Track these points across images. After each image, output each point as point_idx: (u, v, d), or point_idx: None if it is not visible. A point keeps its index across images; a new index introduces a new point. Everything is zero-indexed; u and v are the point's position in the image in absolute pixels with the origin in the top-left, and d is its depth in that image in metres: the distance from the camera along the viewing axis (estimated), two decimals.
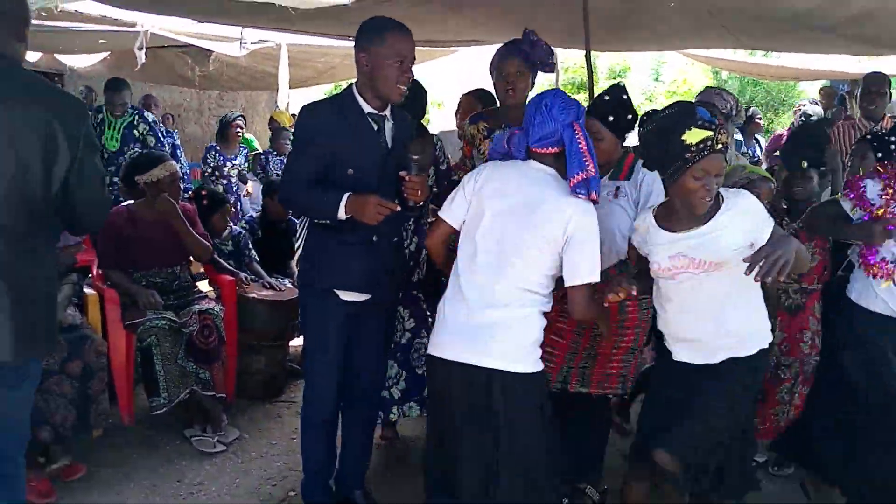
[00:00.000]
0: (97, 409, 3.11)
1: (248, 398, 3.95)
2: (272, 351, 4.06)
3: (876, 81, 4.28)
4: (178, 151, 5.50)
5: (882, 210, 2.62)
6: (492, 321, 2.15)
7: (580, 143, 2.15)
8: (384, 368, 2.95)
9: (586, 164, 2.13)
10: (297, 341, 4.38)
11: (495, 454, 2.16)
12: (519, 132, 2.28)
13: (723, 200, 2.16)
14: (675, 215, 2.22)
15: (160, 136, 5.31)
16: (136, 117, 5.23)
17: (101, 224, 2.38)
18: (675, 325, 2.30)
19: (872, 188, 2.70)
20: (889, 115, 4.33)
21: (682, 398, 2.23)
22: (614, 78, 18.77)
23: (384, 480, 3.11)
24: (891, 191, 2.63)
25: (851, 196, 2.74)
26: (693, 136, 2.03)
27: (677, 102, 2.34)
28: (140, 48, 4.42)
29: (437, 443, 2.31)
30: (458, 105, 4.40)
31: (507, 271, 2.16)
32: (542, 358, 2.26)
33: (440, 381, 2.26)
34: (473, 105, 4.17)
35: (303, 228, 3.40)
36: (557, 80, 8.22)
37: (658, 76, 18.99)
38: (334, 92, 2.60)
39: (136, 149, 5.12)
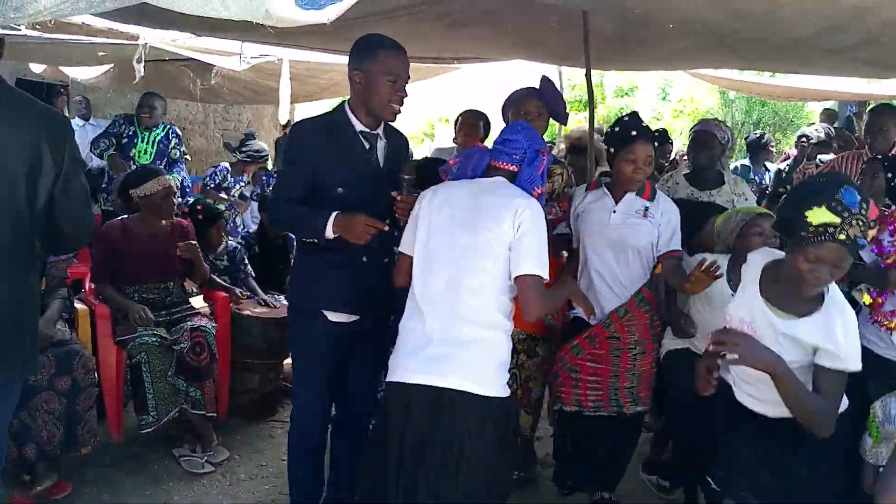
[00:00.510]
0: (85, 427, 3.06)
1: (241, 417, 3.89)
2: (266, 369, 4.01)
3: (881, 116, 4.20)
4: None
5: (893, 257, 2.58)
6: (453, 339, 2.08)
7: (540, 167, 2.22)
8: (376, 392, 2.88)
9: (543, 181, 2.22)
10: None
11: (445, 480, 2.06)
12: (480, 152, 2.31)
13: (825, 297, 1.94)
14: (777, 287, 2.02)
15: (183, 149, 5.48)
16: (170, 132, 5.38)
17: (85, 243, 2.34)
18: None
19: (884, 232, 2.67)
20: None
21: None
22: (622, 96, 18.79)
23: None
24: None
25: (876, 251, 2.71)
26: (816, 216, 1.81)
27: (829, 174, 2.28)
28: (139, 61, 4.40)
29: (376, 472, 2.20)
30: (458, 123, 4.37)
31: (465, 286, 2.10)
32: (585, 387, 2.23)
33: (395, 407, 2.15)
34: (475, 123, 4.17)
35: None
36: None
37: (665, 95, 18.98)
38: None
39: (165, 163, 5.25)
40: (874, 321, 2.67)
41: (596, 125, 4.14)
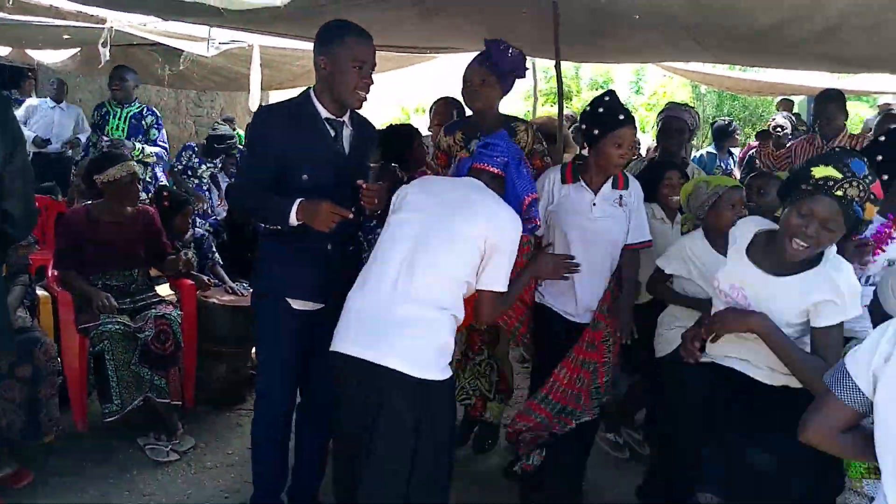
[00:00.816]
0: (47, 415, 3.02)
1: (208, 405, 3.86)
2: (233, 357, 3.98)
3: (828, 103, 4.38)
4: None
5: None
6: (399, 318, 2.05)
7: (525, 170, 2.26)
8: None
9: (534, 187, 2.24)
10: None
11: (376, 458, 2.05)
12: (465, 159, 2.34)
13: (822, 259, 1.98)
14: (769, 250, 2.05)
15: (163, 132, 5.25)
16: (145, 109, 5.18)
17: (32, 228, 2.29)
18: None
19: None
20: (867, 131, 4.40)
21: None
22: (596, 89, 18.87)
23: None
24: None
25: None
26: (820, 171, 1.84)
27: (843, 149, 2.25)
28: (104, 45, 4.32)
29: (340, 448, 2.23)
30: (432, 111, 4.36)
31: (427, 269, 2.09)
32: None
33: (337, 377, 2.15)
34: (448, 110, 4.14)
35: None
36: (536, 89, 8.20)
37: (639, 89, 19.12)
38: None
39: (141, 139, 5.07)
40: None
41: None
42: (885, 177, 2.51)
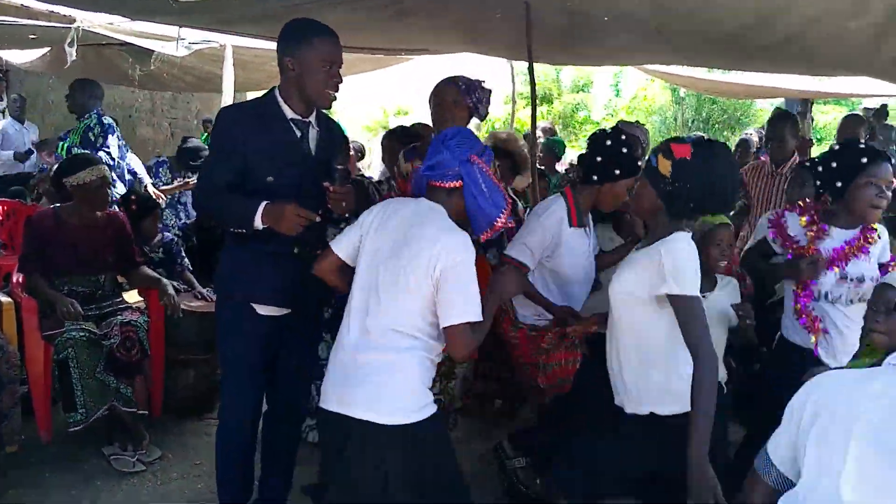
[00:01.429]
0: (10, 425, 2.95)
1: (176, 415, 3.78)
2: (202, 365, 3.89)
3: (778, 125, 4.20)
4: (125, 152, 5.25)
5: (809, 247, 2.57)
6: (362, 366, 1.99)
7: (478, 176, 2.05)
8: (308, 388, 2.82)
9: (498, 200, 2.06)
10: None
11: None
12: (419, 175, 2.17)
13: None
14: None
15: (111, 140, 4.98)
16: (95, 119, 4.93)
17: None
18: None
19: (794, 223, 2.68)
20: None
21: None
22: (577, 91, 18.94)
23: (302, 499, 2.92)
24: (815, 227, 2.58)
25: (773, 234, 2.72)
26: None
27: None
28: (71, 45, 4.23)
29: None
30: (382, 148, 4.27)
31: (380, 313, 2.00)
32: None
33: (321, 432, 2.15)
34: (392, 145, 4.01)
35: None
36: (514, 92, 8.18)
37: (619, 92, 19.21)
38: None
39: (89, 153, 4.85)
40: (799, 313, 2.63)
41: (524, 130, 4.08)
42: (830, 196, 2.57)
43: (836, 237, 2.56)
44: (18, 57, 6.98)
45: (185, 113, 11.55)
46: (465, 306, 1.94)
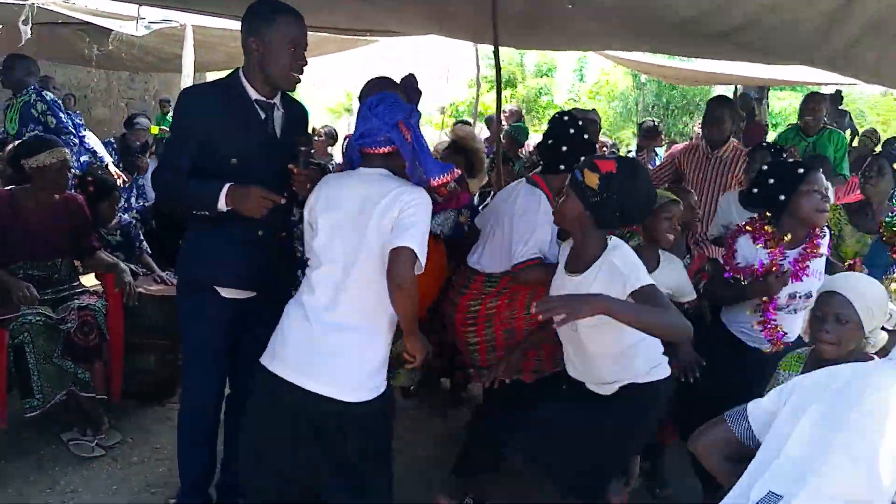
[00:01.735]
0: None
1: (136, 399, 3.74)
2: (163, 349, 3.85)
3: (716, 108, 4.23)
4: (81, 130, 5.12)
5: (772, 264, 2.69)
6: (332, 345, 2.03)
7: (407, 138, 2.07)
8: None
9: (430, 160, 2.09)
10: None
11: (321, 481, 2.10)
12: (350, 144, 2.20)
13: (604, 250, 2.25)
14: (569, 255, 2.39)
15: (62, 116, 4.91)
16: (34, 96, 4.81)
17: None
18: None
19: (747, 246, 2.80)
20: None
21: None
22: (541, 76, 19.01)
23: None
24: (773, 244, 2.72)
25: (728, 270, 2.82)
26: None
27: None
28: (25, 23, 4.10)
29: (255, 455, 2.20)
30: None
31: (349, 287, 2.03)
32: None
33: (271, 397, 2.11)
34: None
35: None
36: (479, 75, 8.20)
37: (582, 77, 19.32)
38: None
39: (36, 130, 4.73)
40: (764, 325, 2.73)
41: (487, 113, 4.09)
42: (772, 212, 2.75)
43: (790, 255, 2.72)
44: None
45: (142, 93, 11.33)
46: (413, 234, 1.94)
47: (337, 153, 7.06)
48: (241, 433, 2.24)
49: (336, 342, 2.03)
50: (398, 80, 2.80)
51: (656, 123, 7.30)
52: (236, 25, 5.21)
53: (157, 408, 3.75)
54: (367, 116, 2.09)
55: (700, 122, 4.90)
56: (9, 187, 3.44)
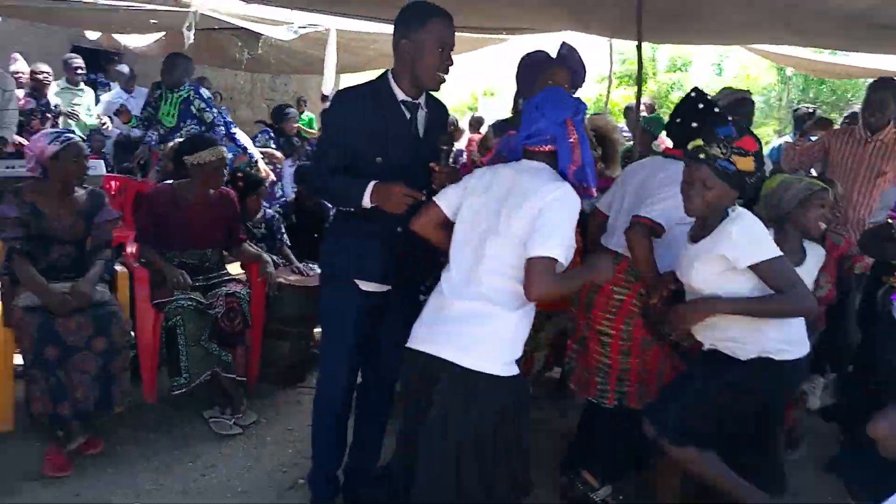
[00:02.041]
0: (119, 387, 3.11)
1: (271, 383, 3.94)
2: (297, 337, 4.04)
3: (878, 90, 3.97)
4: (232, 127, 5.45)
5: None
6: (458, 313, 2.08)
7: (570, 138, 2.09)
8: None
9: (574, 156, 2.09)
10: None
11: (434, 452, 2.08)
12: (516, 133, 2.23)
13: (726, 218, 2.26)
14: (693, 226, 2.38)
15: (216, 112, 5.23)
16: (192, 93, 5.15)
17: None
18: None
19: None
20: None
21: None
22: (674, 71, 18.28)
23: None
24: None
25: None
26: (691, 144, 2.27)
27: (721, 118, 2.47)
28: (189, 28, 4.43)
29: (403, 440, 2.26)
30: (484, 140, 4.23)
31: (481, 263, 2.09)
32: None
33: (406, 372, 2.24)
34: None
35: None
36: (611, 71, 7.97)
37: (721, 71, 18.39)
38: None
39: (192, 125, 5.08)
40: None
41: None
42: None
43: None
44: (135, 41, 7.37)
45: (282, 95, 11.91)
46: (552, 241, 1.97)
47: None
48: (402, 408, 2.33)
49: (463, 310, 2.08)
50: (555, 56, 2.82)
51: (811, 109, 6.85)
52: (374, 28, 5.42)
53: (289, 391, 3.93)
54: (533, 117, 2.15)
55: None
56: (170, 182, 3.72)
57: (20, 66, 6.29)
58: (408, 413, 2.24)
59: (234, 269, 4.02)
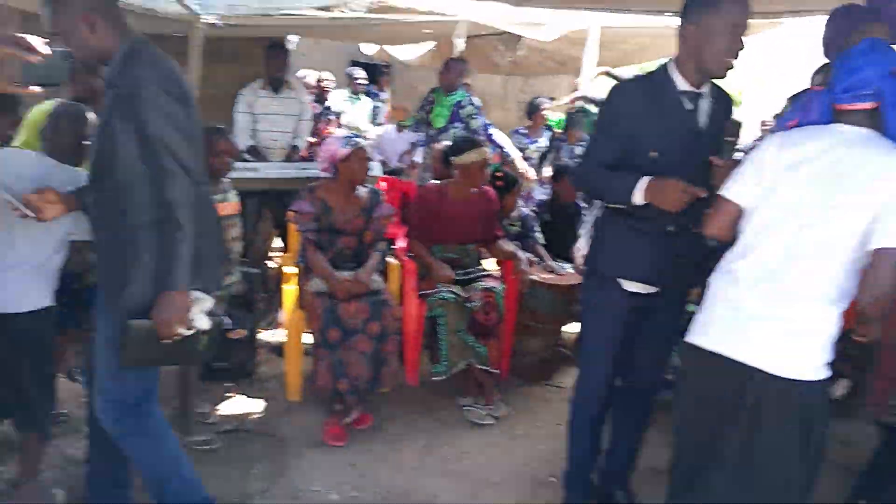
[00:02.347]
0: (388, 368, 3.40)
1: (519, 378, 4.03)
2: (547, 334, 4.10)
3: None
4: (489, 128, 5.67)
5: None
6: (768, 312, 1.83)
7: None
8: (664, 367, 2.75)
9: None
10: (571, 327, 4.36)
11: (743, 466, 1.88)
12: (817, 93, 1.91)
13: None
14: None
15: (482, 120, 5.41)
16: (465, 98, 5.32)
17: None
18: None
19: None
20: None
21: None
22: None
23: (649, 479, 2.88)
24: None
25: None
26: None
27: None
28: (458, 36, 4.67)
29: (687, 441, 2.06)
30: None
31: (802, 256, 1.81)
32: None
33: (698, 373, 1.99)
34: None
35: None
36: None
37: None
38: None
39: (458, 127, 5.28)
40: None
41: None
42: None
43: None
44: (405, 53, 7.98)
45: (532, 96, 12.10)
46: None
47: None
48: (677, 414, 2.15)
49: (773, 309, 1.84)
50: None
51: None
52: (637, 21, 5.25)
53: (536, 388, 3.99)
54: (857, 65, 1.82)
55: None
56: (437, 181, 3.99)
57: (310, 79, 7.19)
58: (693, 420, 2.03)
59: (488, 264, 4.19)
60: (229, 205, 3.49)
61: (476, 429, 3.48)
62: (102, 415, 2.18)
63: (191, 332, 2.02)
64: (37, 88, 1.77)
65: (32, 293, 2.50)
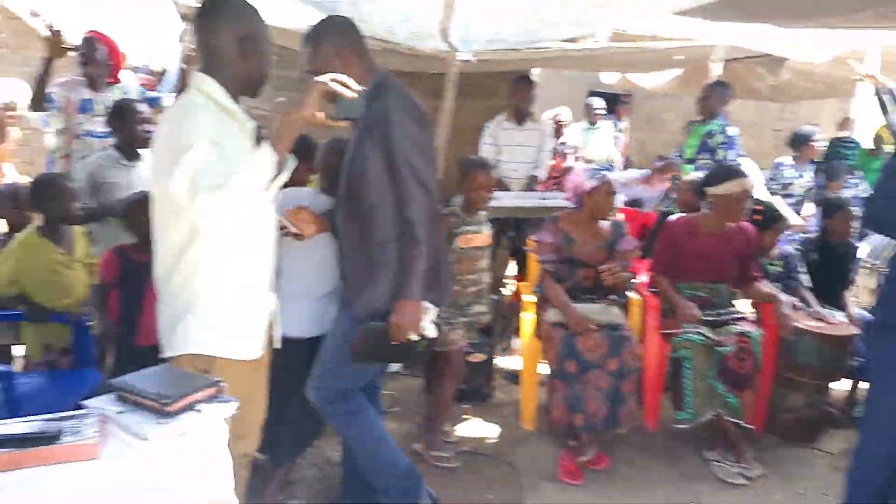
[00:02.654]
0: (626, 408, 3.22)
1: (777, 437, 3.62)
2: (813, 390, 3.63)
3: None
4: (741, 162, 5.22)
5: None
6: None
7: None
8: None
9: None
10: (843, 384, 3.84)
11: None
12: None
13: None
14: None
15: (734, 153, 4.98)
16: (718, 128, 4.97)
17: None
18: None
19: None
20: None
21: None
22: None
23: None
24: None
25: None
26: None
27: None
28: (715, 61, 4.38)
29: None
30: None
31: None
32: None
33: None
34: None
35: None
36: None
37: None
38: None
39: (706, 157, 4.96)
40: None
41: None
42: None
43: None
44: (649, 81, 7.76)
45: (790, 123, 11.07)
46: None
47: None
48: None
49: None
50: None
51: None
52: None
53: (798, 450, 3.55)
54: None
55: None
56: (691, 214, 3.73)
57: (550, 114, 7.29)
58: None
59: (742, 306, 3.82)
60: (483, 236, 3.52)
61: (725, 488, 3.17)
62: (316, 398, 2.46)
63: (418, 338, 2.21)
64: (345, 123, 1.98)
65: (317, 320, 2.72)
